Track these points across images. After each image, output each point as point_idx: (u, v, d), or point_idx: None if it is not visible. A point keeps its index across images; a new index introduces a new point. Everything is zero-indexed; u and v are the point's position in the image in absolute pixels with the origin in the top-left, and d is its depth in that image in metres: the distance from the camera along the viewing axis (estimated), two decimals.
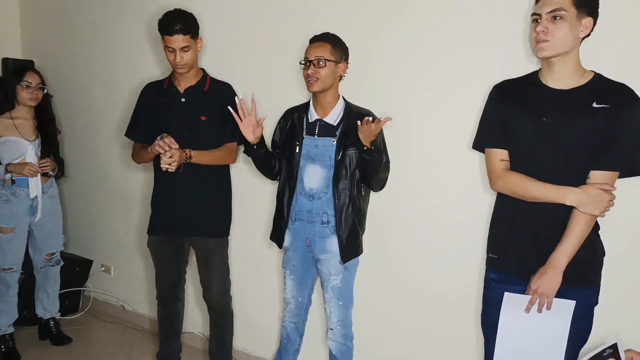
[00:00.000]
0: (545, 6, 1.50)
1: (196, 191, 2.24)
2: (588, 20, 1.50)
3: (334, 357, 2.10)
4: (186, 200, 2.24)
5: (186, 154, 2.12)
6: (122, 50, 3.02)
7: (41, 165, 2.64)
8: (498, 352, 1.63)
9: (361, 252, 2.07)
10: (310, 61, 1.94)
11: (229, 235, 2.38)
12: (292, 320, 2.17)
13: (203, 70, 2.33)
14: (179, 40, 2.09)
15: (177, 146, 2.08)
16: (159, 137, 2.09)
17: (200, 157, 2.17)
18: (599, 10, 1.52)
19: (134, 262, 3.13)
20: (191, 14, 2.16)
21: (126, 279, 3.21)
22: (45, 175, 2.71)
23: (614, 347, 1.42)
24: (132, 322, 3.14)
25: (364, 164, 1.93)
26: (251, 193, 2.55)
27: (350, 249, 2.00)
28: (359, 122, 1.83)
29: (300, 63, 1.99)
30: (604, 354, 1.42)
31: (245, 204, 2.56)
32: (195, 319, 2.84)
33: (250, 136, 2.00)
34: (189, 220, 2.25)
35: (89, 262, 3.32)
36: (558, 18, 1.48)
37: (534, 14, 1.54)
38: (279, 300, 2.52)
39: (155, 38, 2.24)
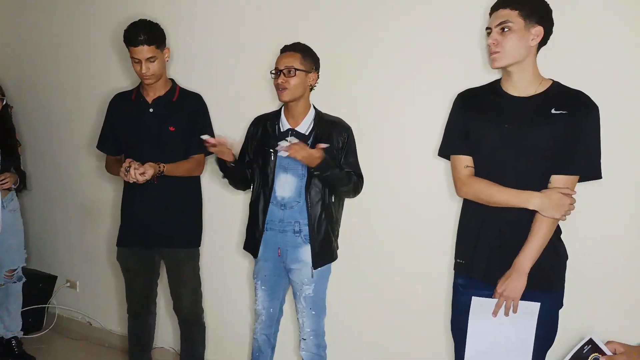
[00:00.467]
0: (495, 20, 1.57)
1: (166, 201, 2.21)
2: (538, 29, 1.55)
3: None
4: (156, 210, 2.21)
5: (160, 168, 2.10)
6: (87, 60, 2.95)
7: (1, 182, 2.55)
8: (468, 356, 1.65)
9: (335, 258, 2.07)
10: (280, 70, 1.94)
11: (200, 245, 2.34)
12: (263, 332, 2.14)
13: (172, 80, 2.30)
14: (143, 51, 2.07)
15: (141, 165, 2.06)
16: (124, 167, 2.05)
17: (172, 170, 2.16)
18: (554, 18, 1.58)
19: (101, 277, 3.04)
20: (157, 24, 2.14)
21: (93, 295, 3.11)
22: (5, 188, 2.62)
23: (591, 342, 1.41)
24: (100, 338, 3.04)
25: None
26: (222, 203, 2.52)
27: (323, 256, 2.00)
28: (282, 153, 1.86)
29: (270, 72, 1.99)
30: (584, 351, 1.42)
31: (216, 214, 2.53)
32: (165, 333, 2.77)
33: (230, 157, 1.98)
34: (159, 230, 2.21)
35: (53, 278, 3.21)
36: (506, 30, 1.54)
37: (487, 28, 1.62)
38: (250, 311, 2.49)
39: (122, 48, 2.21)
